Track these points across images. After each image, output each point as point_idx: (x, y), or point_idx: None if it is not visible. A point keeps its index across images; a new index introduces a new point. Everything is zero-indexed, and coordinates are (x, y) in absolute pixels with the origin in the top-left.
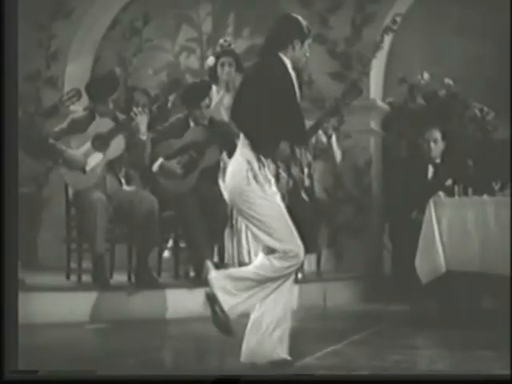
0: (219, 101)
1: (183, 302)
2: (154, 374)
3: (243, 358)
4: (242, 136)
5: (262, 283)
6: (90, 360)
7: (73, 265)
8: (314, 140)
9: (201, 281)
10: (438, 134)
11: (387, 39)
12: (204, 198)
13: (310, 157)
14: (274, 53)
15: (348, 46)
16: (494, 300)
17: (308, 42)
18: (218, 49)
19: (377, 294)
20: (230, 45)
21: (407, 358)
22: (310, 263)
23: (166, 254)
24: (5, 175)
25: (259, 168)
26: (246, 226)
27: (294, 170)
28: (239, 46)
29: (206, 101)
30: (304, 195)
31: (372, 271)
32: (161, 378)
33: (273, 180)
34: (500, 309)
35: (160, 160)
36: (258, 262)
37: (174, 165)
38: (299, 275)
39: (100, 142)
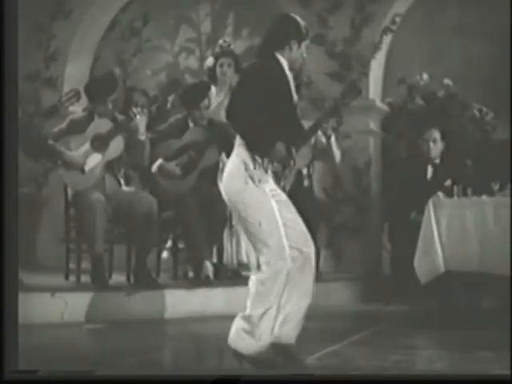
0: (218, 101)
1: (182, 302)
2: (154, 374)
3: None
4: (237, 136)
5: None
6: (89, 360)
7: (72, 265)
8: (313, 140)
9: (200, 281)
10: (437, 135)
11: (386, 39)
12: (203, 198)
13: (309, 157)
14: (271, 53)
15: (347, 47)
16: (494, 300)
17: (305, 42)
18: (217, 49)
19: (376, 294)
20: (229, 45)
21: (407, 358)
22: None
23: (165, 254)
24: (5, 175)
25: (255, 168)
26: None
27: (291, 170)
28: (238, 47)
29: (206, 101)
30: (303, 195)
31: (371, 271)
32: (161, 378)
33: (271, 180)
34: (499, 309)
35: (159, 161)
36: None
37: (173, 166)
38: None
39: (99, 143)
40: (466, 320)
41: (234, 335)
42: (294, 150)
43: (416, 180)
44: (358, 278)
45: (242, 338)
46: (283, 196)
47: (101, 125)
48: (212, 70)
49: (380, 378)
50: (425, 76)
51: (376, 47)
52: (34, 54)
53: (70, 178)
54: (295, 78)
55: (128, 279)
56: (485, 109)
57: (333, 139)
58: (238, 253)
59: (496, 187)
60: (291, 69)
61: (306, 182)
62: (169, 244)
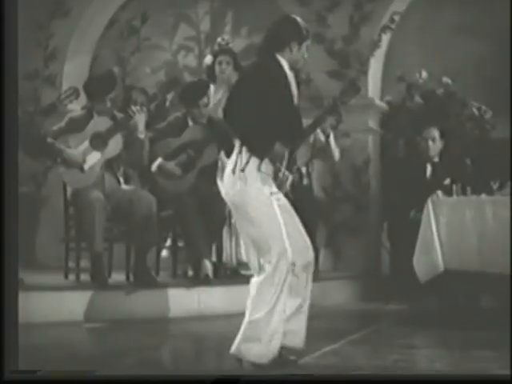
0: (217, 99)
1: (181, 301)
2: (154, 373)
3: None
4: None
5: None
6: (88, 359)
7: (71, 264)
8: (312, 139)
9: (199, 280)
10: (436, 133)
11: (385, 38)
12: (202, 197)
13: (308, 155)
14: (271, 54)
15: (346, 45)
16: (493, 299)
17: (306, 44)
18: (216, 47)
19: (375, 293)
20: (227, 43)
21: (406, 358)
22: None
23: (165, 253)
24: (5, 175)
25: (259, 169)
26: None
27: (291, 170)
28: (237, 45)
29: (204, 99)
30: (302, 193)
31: (370, 270)
32: (160, 377)
33: (271, 180)
34: (499, 308)
35: (159, 160)
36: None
37: (173, 166)
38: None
39: (98, 141)
40: (465, 319)
41: (241, 345)
42: (293, 151)
43: (415, 178)
44: (358, 276)
45: (250, 348)
46: (283, 200)
47: (100, 123)
48: (211, 68)
49: (379, 377)
50: (424, 74)
51: (375, 45)
52: (33, 53)
53: (70, 176)
54: (295, 77)
55: (127, 278)
56: (484, 107)
57: (332, 137)
58: (238, 251)
59: (495, 186)
60: (292, 69)
61: (305, 181)
62: (168, 243)
